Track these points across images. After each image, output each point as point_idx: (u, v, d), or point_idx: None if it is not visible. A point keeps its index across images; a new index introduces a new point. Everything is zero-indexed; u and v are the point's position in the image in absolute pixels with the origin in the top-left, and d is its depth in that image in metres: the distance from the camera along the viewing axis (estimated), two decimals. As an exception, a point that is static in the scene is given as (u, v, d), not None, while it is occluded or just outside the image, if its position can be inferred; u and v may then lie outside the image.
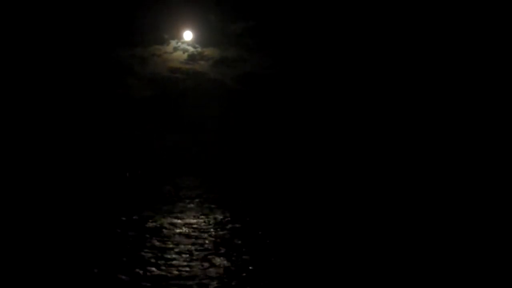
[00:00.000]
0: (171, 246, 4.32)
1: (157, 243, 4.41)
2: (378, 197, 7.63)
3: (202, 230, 5.12)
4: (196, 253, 4.05)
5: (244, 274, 3.45)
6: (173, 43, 12.89)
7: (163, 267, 3.59)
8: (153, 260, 3.78)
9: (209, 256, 3.93)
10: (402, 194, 7.71)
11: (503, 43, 7.63)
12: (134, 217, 5.81)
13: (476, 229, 5.02)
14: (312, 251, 4.16)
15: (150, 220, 5.60)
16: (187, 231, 5.06)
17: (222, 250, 4.16)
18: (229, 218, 5.84)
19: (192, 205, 7.10)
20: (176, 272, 3.47)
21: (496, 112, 7.87)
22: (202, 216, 6.04)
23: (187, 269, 3.56)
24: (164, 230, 5.05)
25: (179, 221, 5.65)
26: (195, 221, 5.69)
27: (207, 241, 4.53)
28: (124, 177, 10.30)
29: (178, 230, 5.07)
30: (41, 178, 8.49)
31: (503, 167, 7.36)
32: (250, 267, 3.62)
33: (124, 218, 5.70)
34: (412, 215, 6.03)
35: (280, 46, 11.64)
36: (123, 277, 3.31)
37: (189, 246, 4.30)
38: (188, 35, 12.73)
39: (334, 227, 5.31)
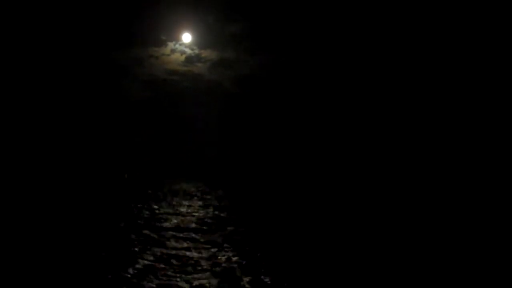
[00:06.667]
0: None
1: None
2: (379, 200, 7.57)
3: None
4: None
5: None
6: (170, 45, 12.85)
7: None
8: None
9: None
10: (402, 195, 7.65)
11: (503, 43, 7.68)
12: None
13: (476, 229, 4.98)
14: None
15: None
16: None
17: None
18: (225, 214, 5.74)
19: (192, 207, 6.99)
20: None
21: (496, 112, 7.88)
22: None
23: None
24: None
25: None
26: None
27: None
28: (122, 179, 10.11)
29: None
30: (34, 180, 8.24)
31: (503, 167, 7.33)
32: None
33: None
34: (412, 215, 5.98)
35: (279, 47, 11.63)
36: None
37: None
38: (186, 37, 12.70)
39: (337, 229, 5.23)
